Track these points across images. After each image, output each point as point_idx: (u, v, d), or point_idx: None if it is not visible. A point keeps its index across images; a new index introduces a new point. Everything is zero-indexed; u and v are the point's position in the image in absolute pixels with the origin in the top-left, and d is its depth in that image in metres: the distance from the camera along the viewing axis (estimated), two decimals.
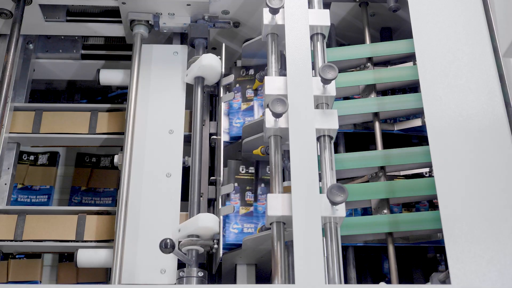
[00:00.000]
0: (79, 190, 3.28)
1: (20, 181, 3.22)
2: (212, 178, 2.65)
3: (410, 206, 2.66)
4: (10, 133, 2.80)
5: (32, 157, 3.32)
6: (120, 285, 2.33)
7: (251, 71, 2.79)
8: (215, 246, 2.42)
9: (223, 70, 2.79)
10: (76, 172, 3.34)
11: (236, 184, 2.55)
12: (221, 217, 2.48)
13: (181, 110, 2.76)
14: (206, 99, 2.84)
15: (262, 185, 2.56)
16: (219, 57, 2.78)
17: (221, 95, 2.77)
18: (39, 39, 3.11)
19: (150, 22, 2.85)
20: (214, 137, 2.73)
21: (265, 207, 2.40)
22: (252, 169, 2.57)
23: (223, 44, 2.91)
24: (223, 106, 2.74)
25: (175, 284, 2.38)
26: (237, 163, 2.59)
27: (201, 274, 2.35)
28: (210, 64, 2.73)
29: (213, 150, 2.74)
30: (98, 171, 3.35)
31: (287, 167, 2.39)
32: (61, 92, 3.40)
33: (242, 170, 2.58)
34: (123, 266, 2.37)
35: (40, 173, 3.27)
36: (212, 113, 2.87)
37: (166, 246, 2.18)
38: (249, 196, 2.53)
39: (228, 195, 2.53)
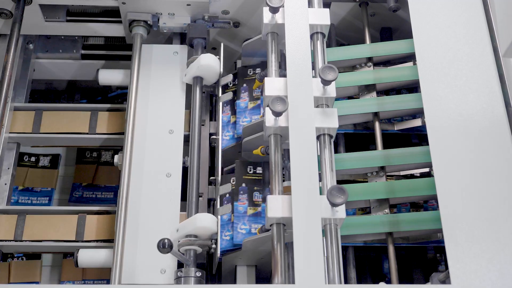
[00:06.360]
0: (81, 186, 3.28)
1: (20, 183, 3.22)
2: (212, 178, 2.64)
3: (418, 206, 2.65)
4: (10, 133, 2.80)
5: (33, 159, 3.32)
6: (120, 285, 2.33)
7: (258, 70, 2.78)
8: (213, 246, 2.42)
9: (222, 70, 2.79)
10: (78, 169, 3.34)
11: (244, 185, 2.54)
12: (219, 216, 2.48)
13: (181, 110, 2.75)
14: (206, 99, 2.84)
15: None
16: (217, 57, 2.78)
17: (220, 95, 2.77)
18: (39, 39, 3.10)
19: (148, 22, 2.85)
20: (214, 137, 2.73)
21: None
22: (259, 169, 2.56)
23: (222, 44, 2.91)
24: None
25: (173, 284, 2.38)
26: (244, 163, 2.57)
27: (199, 274, 2.34)
28: (209, 64, 2.73)
29: (213, 150, 2.74)
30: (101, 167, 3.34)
31: (287, 167, 2.39)
32: (61, 92, 3.40)
33: (250, 170, 2.57)
34: (123, 266, 2.36)
35: (40, 175, 3.27)
36: (212, 113, 2.86)
37: (164, 246, 2.18)
38: (256, 197, 2.52)
39: (235, 195, 2.52)
